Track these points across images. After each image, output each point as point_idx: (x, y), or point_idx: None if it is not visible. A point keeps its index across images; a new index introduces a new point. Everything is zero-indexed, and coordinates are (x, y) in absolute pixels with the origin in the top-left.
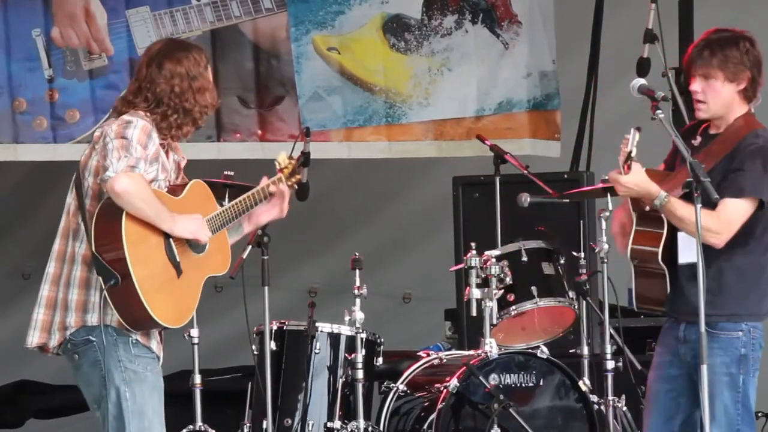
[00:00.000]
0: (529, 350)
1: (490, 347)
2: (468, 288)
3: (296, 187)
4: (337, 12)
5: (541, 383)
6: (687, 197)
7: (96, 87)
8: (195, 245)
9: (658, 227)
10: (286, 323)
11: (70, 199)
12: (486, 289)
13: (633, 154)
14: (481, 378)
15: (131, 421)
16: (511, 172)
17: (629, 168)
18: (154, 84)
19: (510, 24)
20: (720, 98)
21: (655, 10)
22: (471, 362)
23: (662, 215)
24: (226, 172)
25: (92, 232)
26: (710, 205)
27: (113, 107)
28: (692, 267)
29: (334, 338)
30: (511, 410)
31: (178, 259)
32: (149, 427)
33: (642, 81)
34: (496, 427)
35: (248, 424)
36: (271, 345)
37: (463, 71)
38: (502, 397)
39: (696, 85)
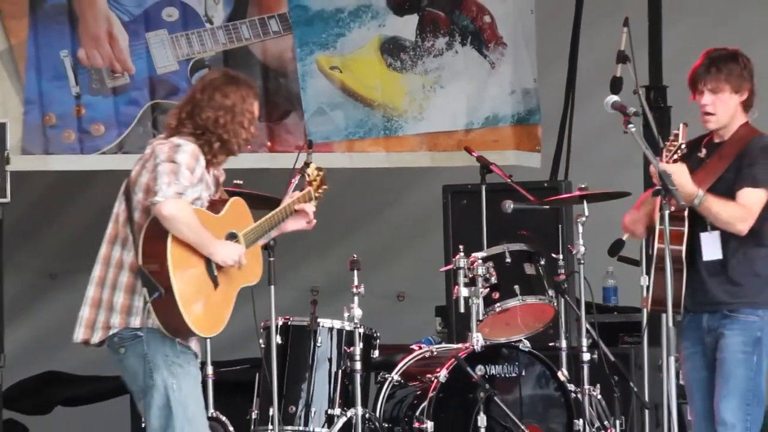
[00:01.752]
0: (513, 343)
1: (477, 341)
2: (456, 287)
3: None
4: (339, 34)
5: (524, 374)
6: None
7: (119, 103)
8: None
9: (680, 225)
10: (291, 319)
11: (119, 209)
12: (473, 288)
13: (683, 147)
14: (468, 369)
15: (178, 410)
16: (496, 181)
17: (674, 161)
18: (203, 111)
19: (496, 45)
20: (728, 109)
21: (627, 33)
22: (459, 355)
23: (683, 214)
24: (235, 181)
25: (140, 248)
26: (731, 197)
27: (166, 125)
28: (716, 263)
29: (334, 333)
30: (495, 398)
31: (215, 273)
32: (193, 416)
33: (615, 98)
34: (482, 414)
35: (256, 411)
36: (276, 339)
37: (453, 88)
38: (487, 386)
39: (705, 99)
